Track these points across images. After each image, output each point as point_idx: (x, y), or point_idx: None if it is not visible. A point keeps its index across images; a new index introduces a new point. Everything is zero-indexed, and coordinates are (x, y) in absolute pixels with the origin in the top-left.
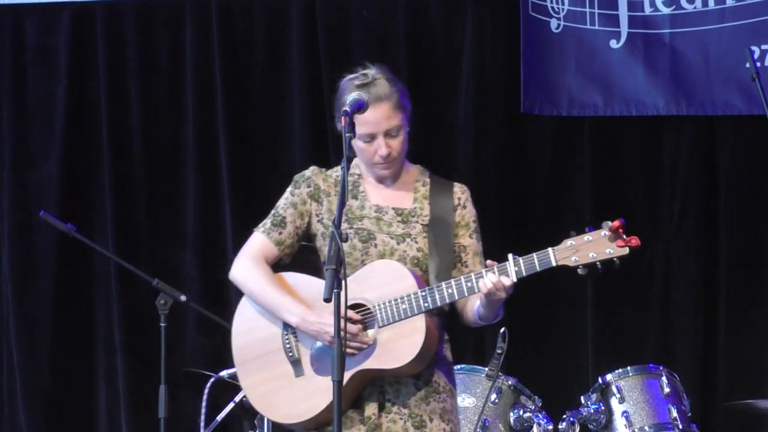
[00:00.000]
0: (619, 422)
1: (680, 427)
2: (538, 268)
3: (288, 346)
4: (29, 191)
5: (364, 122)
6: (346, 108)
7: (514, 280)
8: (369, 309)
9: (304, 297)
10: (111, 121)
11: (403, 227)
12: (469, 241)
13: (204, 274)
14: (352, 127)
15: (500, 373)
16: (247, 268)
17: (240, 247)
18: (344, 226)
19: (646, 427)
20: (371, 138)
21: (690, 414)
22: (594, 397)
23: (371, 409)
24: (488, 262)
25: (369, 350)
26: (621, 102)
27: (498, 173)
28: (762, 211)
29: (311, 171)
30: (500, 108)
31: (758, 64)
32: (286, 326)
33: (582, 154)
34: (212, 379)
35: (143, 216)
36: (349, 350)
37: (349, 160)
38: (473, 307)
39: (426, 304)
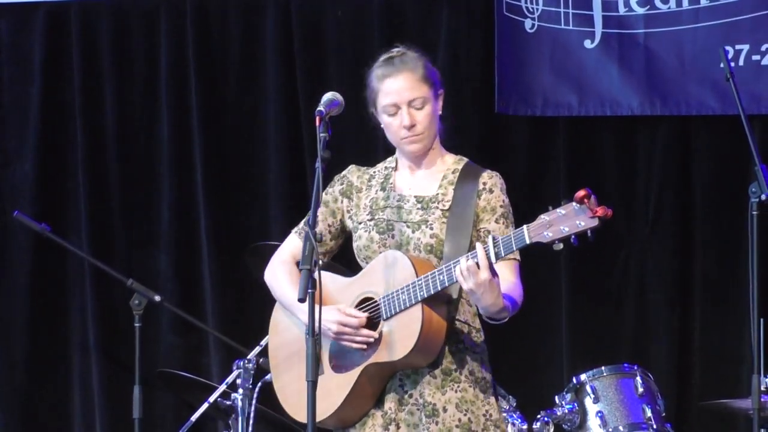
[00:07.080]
0: (594, 422)
1: (654, 427)
2: (514, 247)
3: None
4: (3, 191)
5: (387, 92)
6: (321, 108)
7: (492, 260)
8: (376, 302)
9: (324, 295)
10: (85, 121)
11: (422, 214)
12: (494, 225)
13: (179, 275)
14: (327, 127)
15: None
16: (273, 269)
17: (214, 246)
18: (366, 218)
19: (621, 427)
20: (395, 108)
21: (664, 414)
22: (568, 396)
23: (389, 403)
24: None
25: (375, 343)
26: (595, 102)
27: None
28: (736, 212)
29: (348, 169)
30: (475, 108)
31: (732, 64)
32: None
33: (556, 154)
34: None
35: (118, 216)
36: (355, 345)
37: (324, 160)
38: None
39: (422, 293)
